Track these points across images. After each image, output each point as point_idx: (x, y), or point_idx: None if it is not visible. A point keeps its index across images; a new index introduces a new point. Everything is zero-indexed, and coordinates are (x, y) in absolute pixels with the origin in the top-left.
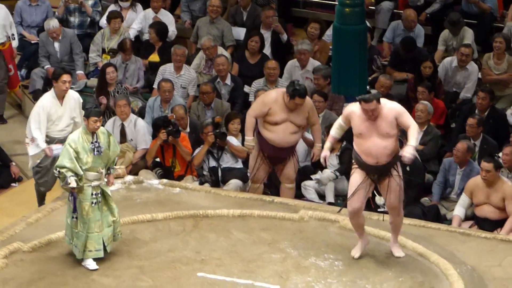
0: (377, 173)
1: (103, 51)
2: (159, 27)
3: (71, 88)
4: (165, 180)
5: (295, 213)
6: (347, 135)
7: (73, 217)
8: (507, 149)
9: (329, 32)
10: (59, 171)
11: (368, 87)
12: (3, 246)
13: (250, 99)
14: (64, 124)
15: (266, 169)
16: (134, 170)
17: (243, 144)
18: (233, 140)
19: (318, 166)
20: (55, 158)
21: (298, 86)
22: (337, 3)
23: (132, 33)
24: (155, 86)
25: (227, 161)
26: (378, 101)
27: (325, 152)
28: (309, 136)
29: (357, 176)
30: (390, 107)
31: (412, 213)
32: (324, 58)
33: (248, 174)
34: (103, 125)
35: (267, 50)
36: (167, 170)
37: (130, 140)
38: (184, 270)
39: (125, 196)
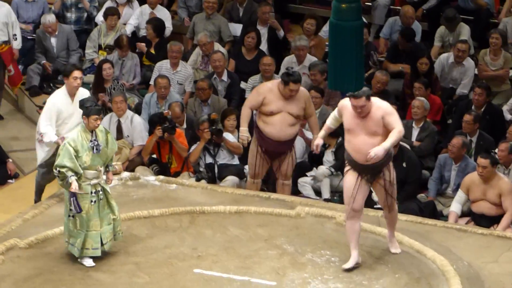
0: (369, 173)
1: (100, 47)
2: (156, 23)
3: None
4: (161, 177)
5: (292, 210)
6: (343, 131)
7: (69, 216)
8: (503, 145)
9: (325, 28)
10: (59, 171)
11: (364, 83)
12: None
13: (246, 95)
14: (75, 122)
15: (265, 165)
16: (130, 166)
17: (239, 140)
18: (229, 137)
19: (313, 162)
20: None
21: (292, 72)
22: None
23: (128, 29)
24: (151, 82)
25: (224, 158)
26: (368, 98)
27: (318, 140)
28: (307, 134)
29: (350, 178)
30: (378, 106)
31: (409, 210)
32: (320, 54)
33: (245, 171)
34: None
35: (263, 46)
36: (163, 167)
37: (127, 137)
38: (180, 266)
39: (121, 192)
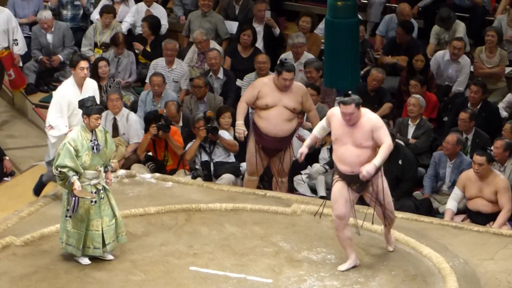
0: (357, 182)
1: (95, 45)
2: (152, 21)
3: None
4: (157, 174)
5: (288, 207)
6: None
7: (66, 216)
8: (498, 143)
9: (321, 25)
10: (60, 171)
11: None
12: None
13: (242, 93)
14: None
15: (263, 162)
16: (126, 164)
17: (235, 137)
18: (225, 134)
19: (309, 159)
20: None
21: (285, 62)
22: None
23: (124, 27)
24: (147, 80)
25: (219, 155)
26: (358, 107)
27: (303, 149)
28: (304, 133)
29: (338, 186)
30: (369, 118)
31: (405, 207)
32: (315, 51)
33: (241, 169)
34: None
35: (259, 44)
36: (159, 164)
37: (123, 134)
38: (176, 264)
39: (117, 190)
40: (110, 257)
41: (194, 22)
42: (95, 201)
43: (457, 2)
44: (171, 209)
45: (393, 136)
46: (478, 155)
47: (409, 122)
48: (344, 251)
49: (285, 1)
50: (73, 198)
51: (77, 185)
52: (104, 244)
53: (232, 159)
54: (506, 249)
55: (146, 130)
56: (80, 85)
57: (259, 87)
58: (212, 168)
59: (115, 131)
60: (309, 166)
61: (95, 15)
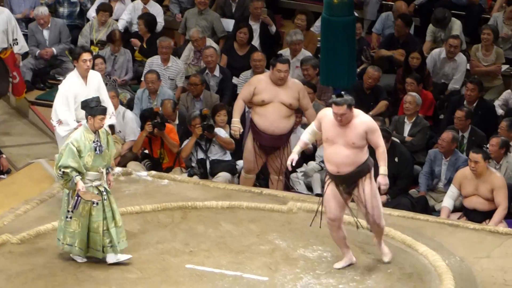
0: (344, 183)
1: (91, 42)
2: (148, 18)
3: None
4: (153, 172)
5: (284, 205)
6: None
7: (67, 217)
8: (494, 140)
9: (317, 23)
10: (63, 171)
11: (343, 92)
12: None
13: (238, 91)
14: None
15: (260, 160)
16: (122, 161)
17: (231, 135)
18: (221, 132)
19: (305, 157)
20: None
21: (279, 55)
22: None
23: (121, 24)
24: (143, 78)
25: (215, 153)
26: (350, 108)
27: (293, 156)
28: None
29: (330, 188)
30: (363, 120)
31: (401, 205)
32: (312, 49)
33: (237, 167)
34: None
35: (255, 42)
36: (155, 162)
37: (119, 132)
38: (172, 261)
39: (113, 187)
40: (110, 259)
41: (190, 19)
42: (97, 203)
43: (454, 0)
44: (167, 207)
45: (388, 134)
46: (474, 153)
47: (405, 120)
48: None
49: None
50: (76, 198)
51: (80, 185)
52: (112, 245)
53: (228, 157)
54: (502, 247)
55: (142, 127)
56: (84, 76)
57: (255, 83)
58: (208, 166)
59: (111, 129)
60: (304, 164)
61: (91, 13)
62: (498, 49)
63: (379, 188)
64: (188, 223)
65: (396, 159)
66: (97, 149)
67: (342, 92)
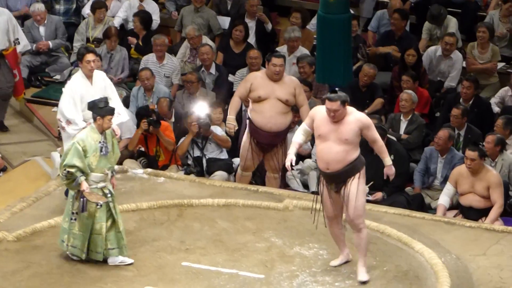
0: (333, 181)
1: (87, 40)
2: (143, 16)
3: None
4: (149, 170)
5: (280, 203)
6: None
7: (72, 219)
8: (489, 138)
9: (313, 21)
10: (68, 171)
11: (337, 89)
12: None
13: (234, 88)
14: None
15: (257, 158)
16: (118, 159)
17: (227, 133)
18: (217, 130)
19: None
20: None
21: (275, 51)
22: None
23: (117, 22)
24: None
25: (212, 151)
26: (343, 104)
27: (291, 156)
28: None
29: (323, 187)
30: (357, 117)
31: (397, 202)
32: (308, 47)
33: (234, 165)
34: None
35: (251, 39)
36: (151, 160)
37: None
38: (168, 259)
39: None
40: (112, 261)
41: (186, 17)
42: (101, 205)
43: None
44: (163, 205)
45: (384, 132)
46: (470, 150)
47: (401, 117)
48: (336, 246)
49: None
50: (82, 199)
51: (85, 186)
52: (118, 246)
53: (224, 155)
54: (498, 244)
55: (138, 125)
56: (89, 77)
57: (251, 80)
58: (204, 164)
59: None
60: (300, 162)
61: (86, 10)
62: (494, 47)
63: (388, 177)
64: (184, 221)
65: (392, 157)
66: (103, 150)
67: (337, 89)
